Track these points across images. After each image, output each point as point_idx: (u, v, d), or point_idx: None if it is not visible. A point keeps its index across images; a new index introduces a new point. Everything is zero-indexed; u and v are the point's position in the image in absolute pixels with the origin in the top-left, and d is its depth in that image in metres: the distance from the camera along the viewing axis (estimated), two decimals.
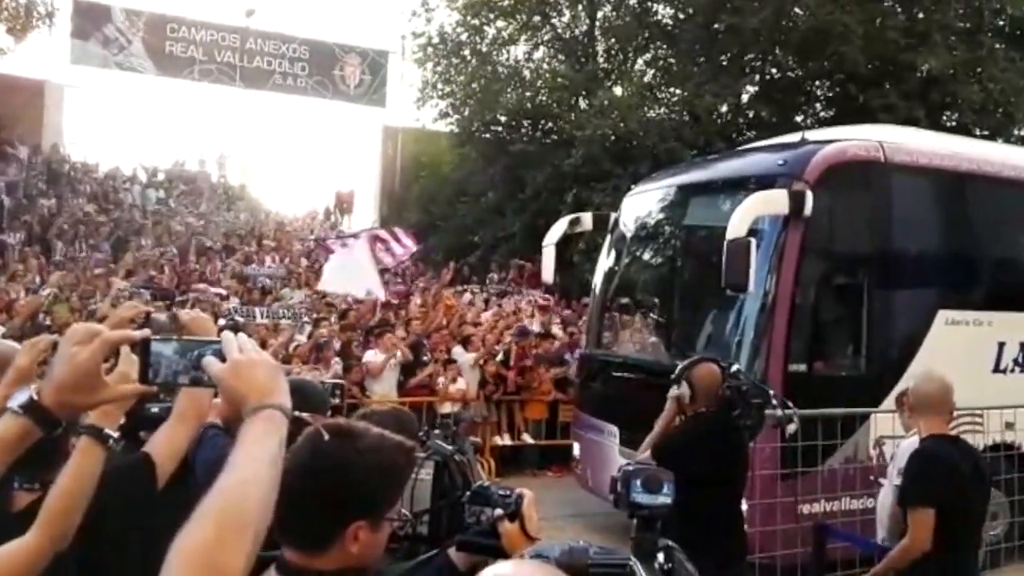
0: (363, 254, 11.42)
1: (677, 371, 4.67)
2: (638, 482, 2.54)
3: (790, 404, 5.02)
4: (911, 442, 4.70)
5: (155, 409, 2.45)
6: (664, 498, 2.53)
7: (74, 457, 1.90)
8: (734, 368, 4.67)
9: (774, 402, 4.60)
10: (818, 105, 18.95)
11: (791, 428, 5.08)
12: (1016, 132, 16.98)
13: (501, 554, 1.93)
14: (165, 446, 2.27)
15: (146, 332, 1.59)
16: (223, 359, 1.45)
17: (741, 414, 4.41)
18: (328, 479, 1.63)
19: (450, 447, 2.18)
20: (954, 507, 3.70)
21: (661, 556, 2.31)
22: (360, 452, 1.67)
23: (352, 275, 11.18)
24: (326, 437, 1.67)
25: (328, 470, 1.64)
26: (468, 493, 2.00)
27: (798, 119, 17.67)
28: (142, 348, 1.53)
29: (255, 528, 1.26)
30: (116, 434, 1.96)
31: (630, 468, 2.60)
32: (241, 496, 1.26)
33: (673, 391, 4.62)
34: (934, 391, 3.98)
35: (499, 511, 1.96)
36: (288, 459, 1.65)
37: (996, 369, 7.21)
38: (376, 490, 1.67)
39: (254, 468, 1.30)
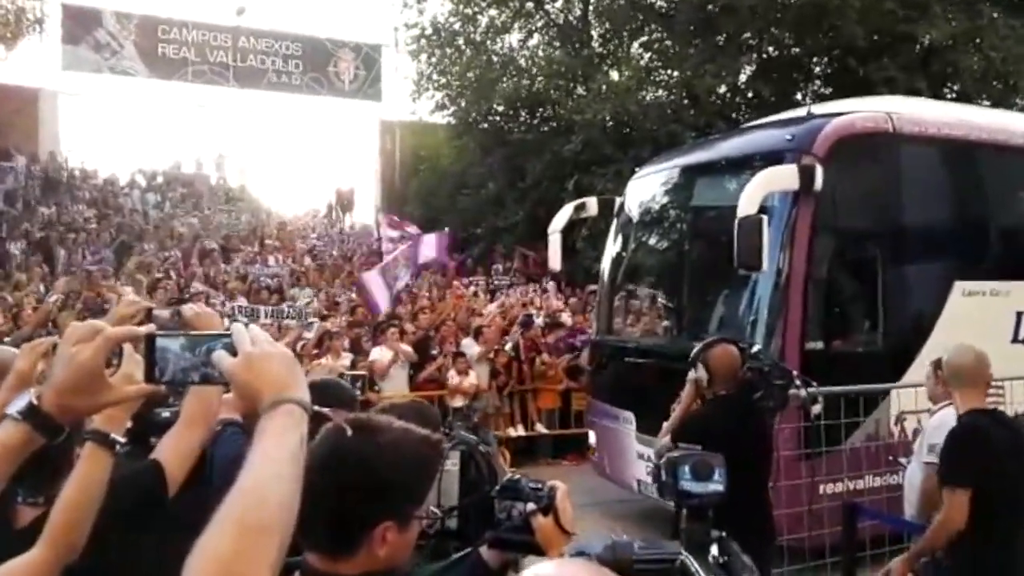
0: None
1: (693, 354, 4.55)
2: (686, 468, 2.42)
3: (813, 384, 4.90)
4: (941, 416, 4.60)
5: (166, 414, 2.34)
6: (716, 485, 2.42)
7: (79, 465, 1.80)
8: (754, 349, 4.54)
9: (797, 383, 4.46)
10: (818, 82, 18.81)
11: (816, 409, 4.96)
12: (1018, 101, 16.81)
13: (536, 550, 1.83)
14: (174, 451, 2.16)
15: (151, 327, 1.48)
16: (234, 353, 1.33)
17: (764, 396, 4.27)
18: (352, 477, 1.53)
19: (474, 437, 2.08)
20: (991, 486, 3.60)
21: (715, 548, 2.17)
22: (385, 448, 1.56)
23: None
24: (348, 432, 1.57)
25: (351, 468, 1.54)
26: (497, 487, 1.89)
27: (798, 97, 17.53)
28: (147, 345, 1.42)
29: (279, 533, 1.15)
30: (123, 439, 1.86)
31: (676, 454, 2.46)
32: (261, 499, 1.15)
33: (691, 374, 4.51)
34: (969, 363, 3.88)
35: (531, 505, 1.86)
36: (308, 457, 1.54)
37: (1015, 339, 7.09)
38: (403, 487, 1.57)
39: (274, 468, 1.19)
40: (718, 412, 4.35)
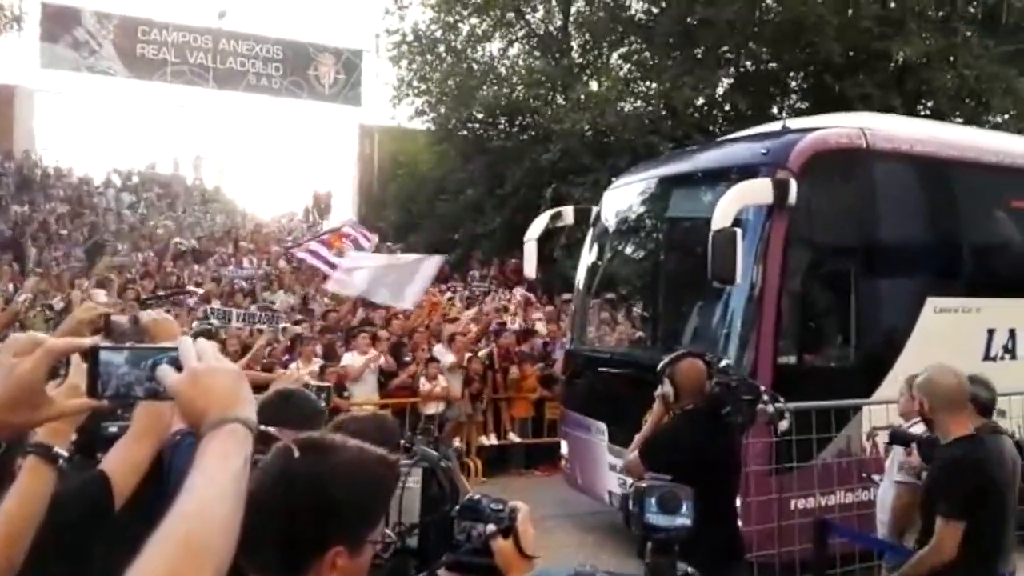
0: (428, 271, 11.01)
1: (660, 367, 4.49)
2: (653, 500, 2.32)
3: (780, 400, 4.88)
4: (915, 433, 4.60)
5: (113, 428, 2.25)
6: (683, 519, 2.31)
7: (20, 479, 1.72)
8: (723, 363, 4.49)
9: (765, 398, 4.42)
10: (794, 96, 18.96)
11: (783, 425, 4.95)
12: (991, 119, 17.01)
13: (495, 574, 1.78)
14: (122, 463, 2.07)
15: (95, 340, 1.43)
16: (180, 368, 1.28)
17: (731, 411, 4.20)
18: (302, 500, 1.46)
19: (435, 453, 2.03)
20: (982, 516, 3.61)
21: None
22: (337, 468, 1.49)
23: (399, 284, 10.69)
24: (297, 453, 1.50)
25: (302, 489, 1.46)
26: (457, 507, 1.84)
27: (774, 110, 17.66)
28: (90, 358, 1.36)
29: (217, 558, 1.10)
30: (67, 454, 1.79)
31: (644, 484, 2.38)
32: (200, 522, 1.10)
33: (658, 389, 4.45)
34: (956, 386, 3.80)
35: (491, 527, 1.80)
36: (256, 479, 1.49)
37: (987, 356, 7.14)
38: (356, 510, 1.50)
39: (215, 490, 1.14)
40: (685, 427, 4.30)
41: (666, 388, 4.35)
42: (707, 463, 4.06)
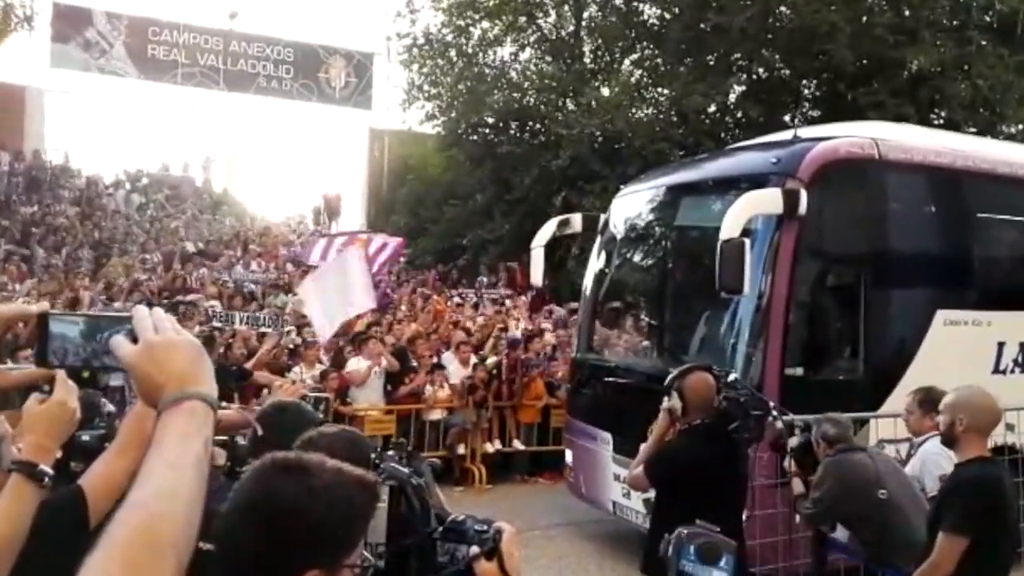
0: (355, 266, 10.50)
1: (668, 380, 4.42)
2: (692, 548, 2.24)
3: (788, 414, 4.80)
4: (928, 449, 4.55)
5: (86, 437, 2.19)
6: (720, 572, 2.21)
7: (4, 498, 1.66)
8: (731, 377, 4.40)
9: (774, 413, 4.34)
10: (806, 104, 18.88)
11: (793, 442, 4.86)
12: (1005, 129, 16.89)
13: None
14: (102, 479, 1.98)
15: (44, 306, 1.37)
16: (136, 340, 1.21)
17: (739, 426, 4.13)
18: (281, 522, 1.40)
19: (406, 470, 1.96)
20: (986, 536, 3.58)
21: None
22: (317, 491, 1.43)
23: (338, 297, 9.88)
24: (276, 473, 1.45)
25: (281, 511, 1.41)
26: (441, 528, 1.78)
27: (786, 118, 17.56)
28: (39, 325, 1.31)
29: (176, 553, 1.01)
30: (51, 471, 1.74)
31: (686, 531, 2.28)
32: (158, 515, 1.02)
33: (665, 403, 4.37)
34: (991, 407, 3.80)
35: (475, 548, 1.75)
36: (236, 495, 1.44)
37: (996, 370, 7.04)
38: (334, 534, 1.44)
39: (173, 478, 1.06)
40: (693, 443, 4.22)
41: (674, 402, 4.27)
42: (714, 479, 4.00)
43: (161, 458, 1.08)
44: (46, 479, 1.71)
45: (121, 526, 1.00)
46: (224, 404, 2.48)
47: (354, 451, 1.83)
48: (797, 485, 4.95)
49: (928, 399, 4.75)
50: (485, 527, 1.78)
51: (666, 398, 4.33)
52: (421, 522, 1.82)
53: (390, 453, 2.08)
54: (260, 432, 2.67)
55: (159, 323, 1.22)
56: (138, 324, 1.22)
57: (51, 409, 1.73)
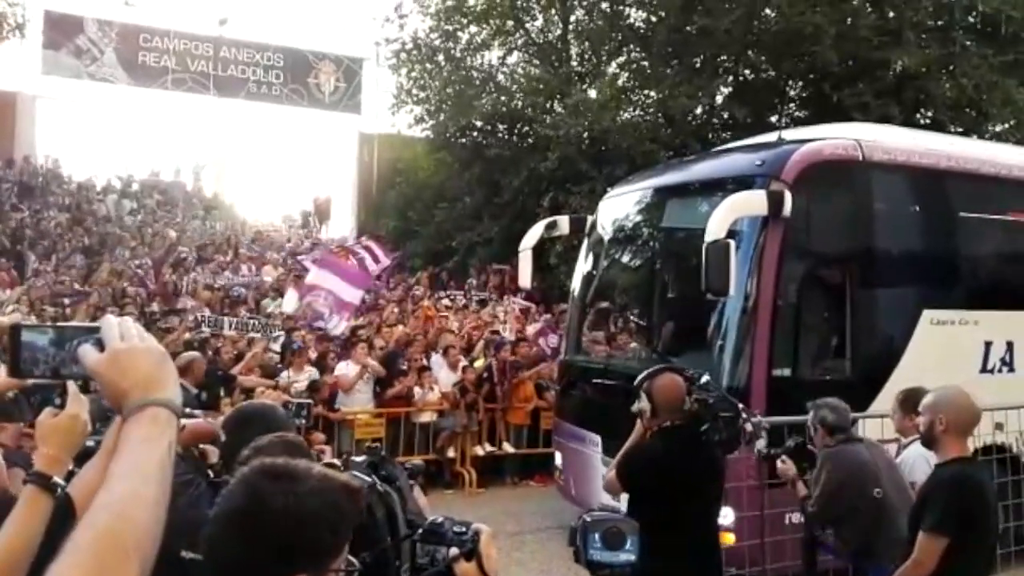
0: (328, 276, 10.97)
1: (636, 382, 4.38)
2: (596, 536, 2.26)
3: (756, 415, 4.81)
4: (915, 451, 4.58)
5: (90, 443, 2.23)
6: (627, 555, 2.24)
7: (19, 509, 1.71)
8: (704, 379, 4.32)
9: (744, 415, 4.29)
10: (792, 105, 18.91)
11: (759, 444, 4.87)
12: (990, 128, 16.97)
13: None
14: (91, 486, 2.00)
15: (15, 318, 1.41)
16: (103, 348, 1.24)
17: (710, 428, 4.07)
18: (266, 528, 1.42)
19: (369, 477, 1.97)
20: (967, 537, 3.59)
21: None
22: (305, 497, 1.45)
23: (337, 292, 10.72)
24: (263, 479, 1.47)
25: (266, 518, 1.43)
26: (420, 531, 1.81)
27: (772, 119, 17.60)
28: (11, 337, 1.35)
29: (140, 556, 1.04)
30: (64, 483, 1.79)
31: (589, 519, 2.32)
32: (122, 518, 1.05)
33: (635, 405, 4.32)
34: (972, 408, 3.80)
35: (454, 550, 1.78)
36: (220, 505, 1.46)
37: (984, 369, 7.09)
38: (321, 540, 1.46)
39: (137, 482, 1.09)
40: (663, 446, 4.16)
41: (643, 404, 4.22)
42: (687, 484, 4.00)
43: (125, 463, 1.11)
44: (59, 490, 1.76)
45: (86, 530, 1.03)
46: (189, 411, 2.50)
47: (293, 455, 1.84)
48: (801, 488, 4.94)
49: (908, 399, 4.77)
50: (464, 529, 1.81)
51: (636, 401, 4.29)
52: (382, 531, 1.84)
53: (357, 460, 2.09)
54: (223, 438, 2.65)
55: (125, 331, 1.25)
56: (105, 333, 1.25)
57: (63, 422, 1.81)
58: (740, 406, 4.26)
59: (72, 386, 1.48)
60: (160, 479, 1.11)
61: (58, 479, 1.76)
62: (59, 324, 1.43)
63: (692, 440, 4.11)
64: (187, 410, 2.08)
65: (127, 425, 1.16)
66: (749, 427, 4.29)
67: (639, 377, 4.36)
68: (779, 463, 5.02)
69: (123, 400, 1.18)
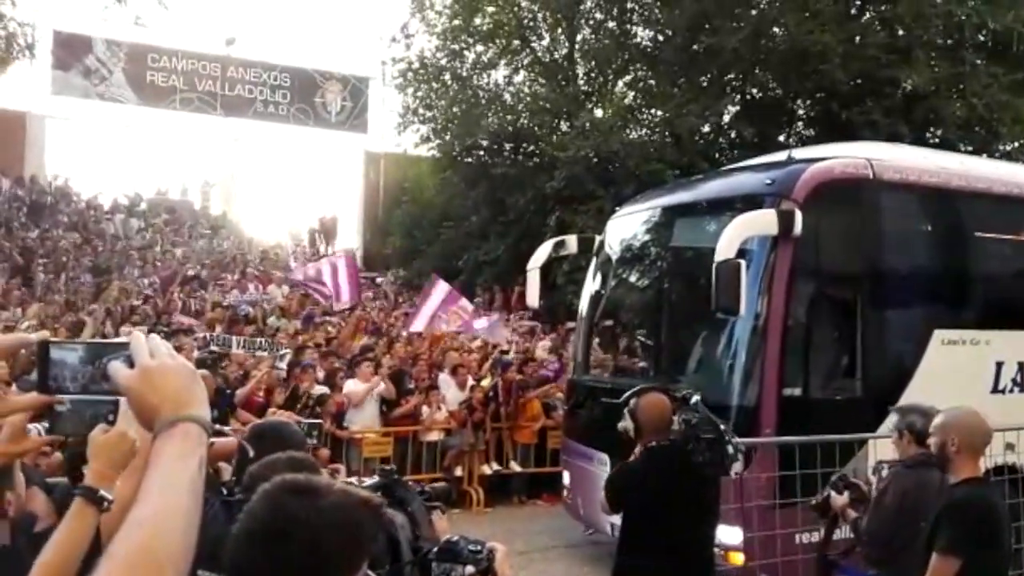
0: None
1: (621, 400, 4.36)
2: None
3: (736, 438, 4.75)
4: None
5: None
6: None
7: (67, 522, 1.76)
8: (694, 400, 4.27)
9: (726, 437, 4.17)
10: (800, 124, 18.96)
11: (736, 467, 4.79)
12: (1001, 148, 16.95)
13: None
14: (117, 498, 2.04)
15: (44, 334, 1.40)
16: (133, 365, 1.24)
17: (693, 450, 4.04)
18: (289, 543, 1.44)
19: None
20: (979, 559, 3.55)
21: None
22: (326, 512, 1.46)
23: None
24: (286, 495, 1.49)
25: (289, 533, 1.44)
26: (435, 549, 1.80)
27: (780, 138, 17.63)
28: (40, 354, 1.34)
29: (175, 571, 1.06)
30: (111, 497, 1.84)
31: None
32: (155, 533, 1.06)
33: (620, 424, 4.31)
34: (984, 428, 3.76)
35: (470, 568, 1.77)
36: (243, 520, 1.47)
37: (995, 389, 7.04)
38: (341, 554, 1.47)
39: (170, 497, 1.10)
40: (650, 466, 4.13)
41: (626, 423, 4.20)
42: (675, 505, 3.96)
43: (158, 479, 1.12)
44: (106, 503, 1.82)
45: (121, 544, 1.05)
46: (218, 428, 2.53)
47: (289, 442, 1.82)
48: (850, 514, 4.75)
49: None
50: (479, 547, 1.81)
51: (621, 420, 4.26)
52: (388, 554, 1.83)
53: (368, 482, 2.08)
54: (251, 453, 2.67)
55: (155, 348, 1.26)
56: (135, 349, 1.25)
57: (112, 439, 1.86)
58: (723, 427, 4.18)
59: (123, 404, 1.49)
60: (192, 493, 1.12)
61: (105, 493, 1.82)
62: (88, 341, 1.44)
63: (677, 459, 4.08)
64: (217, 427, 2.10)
65: (158, 441, 1.17)
66: (730, 449, 4.18)
67: (624, 396, 4.36)
68: (832, 493, 4.86)
69: (154, 416, 1.19)
